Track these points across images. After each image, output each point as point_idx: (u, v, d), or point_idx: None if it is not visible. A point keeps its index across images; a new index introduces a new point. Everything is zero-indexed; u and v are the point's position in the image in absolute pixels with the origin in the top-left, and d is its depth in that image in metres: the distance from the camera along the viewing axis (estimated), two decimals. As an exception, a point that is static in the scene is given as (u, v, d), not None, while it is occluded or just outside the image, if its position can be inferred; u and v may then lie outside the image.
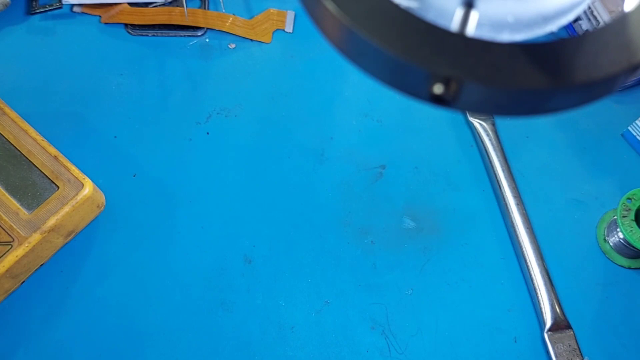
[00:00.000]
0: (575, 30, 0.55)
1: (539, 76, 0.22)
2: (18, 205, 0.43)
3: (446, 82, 0.21)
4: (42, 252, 0.44)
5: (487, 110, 0.23)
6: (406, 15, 0.22)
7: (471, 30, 0.24)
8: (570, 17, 0.26)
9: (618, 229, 0.46)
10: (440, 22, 0.23)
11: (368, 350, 0.44)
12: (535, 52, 0.22)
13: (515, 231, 0.47)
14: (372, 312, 0.45)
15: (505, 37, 0.25)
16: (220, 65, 0.54)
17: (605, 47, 0.22)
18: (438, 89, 0.21)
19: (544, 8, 0.24)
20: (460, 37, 0.22)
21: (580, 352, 0.43)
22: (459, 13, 0.24)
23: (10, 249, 0.42)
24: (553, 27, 0.25)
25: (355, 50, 0.24)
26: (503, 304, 0.46)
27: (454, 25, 0.24)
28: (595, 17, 0.52)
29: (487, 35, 0.25)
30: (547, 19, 0.25)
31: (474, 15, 0.24)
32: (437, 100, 0.22)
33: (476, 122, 0.51)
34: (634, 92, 0.54)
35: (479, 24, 0.24)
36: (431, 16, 0.25)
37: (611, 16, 0.50)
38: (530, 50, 0.22)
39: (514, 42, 0.22)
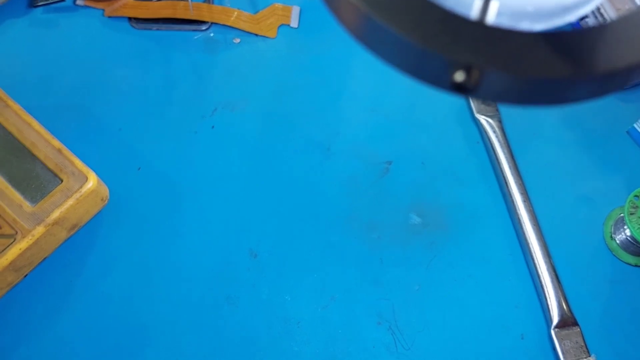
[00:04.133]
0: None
1: (561, 65, 0.21)
2: (22, 198, 0.43)
3: (467, 70, 0.21)
4: (45, 245, 0.43)
5: (507, 99, 0.23)
6: (426, 3, 0.22)
7: (491, 19, 0.23)
8: (588, 8, 0.25)
9: (625, 227, 0.46)
10: (460, 10, 0.23)
11: (374, 346, 0.44)
12: (557, 40, 0.22)
13: (522, 228, 0.47)
14: (378, 308, 0.45)
15: (525, 26, 0.24)
16: (225, 59, 0.54)
17: (627, 37, 0.22)
18: (459, 76, 0.21)
19: (565, -3, 0.24)
20: (480, 25, 0.22)
21: (587, 349, 0.43)
22: (478, 2, 0.23)
23: (13, 241, 0.42)
24: (572, 17, 0.25)
25: (374, 39, 0.23)
26: (510, 300, 0.46)
27: (474, 14, 0.23)
28: (602, 15, 0.52)
29: (507, 24, 0.24)
30: (567, 9, 0.24)
31: (494, 4, 0.23)
32: (458, 89, 0.22)
33: (483, 119, 0.51)
34: (640, 90, 0.54)
35: (499, 13, 0.24)
36: (450, 4, 0.24)
37: (618, 14, 0.50)
38: (551, 39, 0.22)
39: (534, 31, 0.22)
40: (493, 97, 0.23)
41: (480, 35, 0.22)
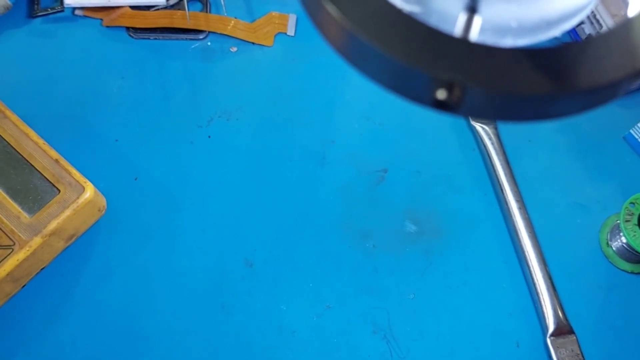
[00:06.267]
0: (578, 34, 0.55)
1: (543, 81, 0.22)
2: (19, 208, 0.43)
3: (449, 88, 0.21)
4: (43, 255, 0.44)
5: (490, 115, 0.23)
6: (409, 20, 0.22)
7: (474, 35, 0.23)
8: (573, 22, 0.25)
9: (621, 234, 0.46)
10: (443, 27, 0.23)
11: (369, 355, 0.44)
12: (539, 57, 0.22)
13: (517, 235, 0.47)
14: (373, 317, 0.45)
15: (509, 42, 0.25)
16: (222, 68, 0.54)
17: (609, 52, 0.22)
18: (441, 94, 0.21)
19: (548, 13, 0.24)
20: (463, 42, 0.22)
21: (583, 357, 0.43)
22: (462, 18, 0.24)
23: (11, 252, 0.42)
24: (556, 32, 0.25)
25: (357, 55, 0.24)
26: (505, 308, 0.46)
27: (457, 31, 0.24)
28: (598, 21, 0.52)
29: (490, 40, 0.25)
30: (550, 24, 0.25)
31: (477, 21, 0.24)
32: (440, 106, 0.22)
33: (478, 126, 0.51)
34: (636, 96, 0.54)
35: (482, 29, 0.24)
36: (434, 21, 0.24)
37: (614, 21, 0.50)
38: (534, 56, 0.22)
39: (518, 47, 0.22)
40: (476, 114, 0.23)
41: (462, 52, 0.22)
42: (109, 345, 0.43)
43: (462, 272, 0.47)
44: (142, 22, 0.55)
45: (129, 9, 0.55)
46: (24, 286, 0.45)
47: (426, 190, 0.49)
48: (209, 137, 0.51)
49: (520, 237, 0.47)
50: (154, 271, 0.46)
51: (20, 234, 0.42)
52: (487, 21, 0.24)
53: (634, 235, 0.44)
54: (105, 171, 0.49)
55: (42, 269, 0.45)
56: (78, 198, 0.44)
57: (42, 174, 0.44)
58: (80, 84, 0.52)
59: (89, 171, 0.45)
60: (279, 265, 0.46)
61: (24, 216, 0.43)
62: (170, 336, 0.44)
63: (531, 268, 0.46)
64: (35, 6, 0.55)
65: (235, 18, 0.56)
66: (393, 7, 0.22)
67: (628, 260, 0.47)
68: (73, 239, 0.46)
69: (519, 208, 0.48)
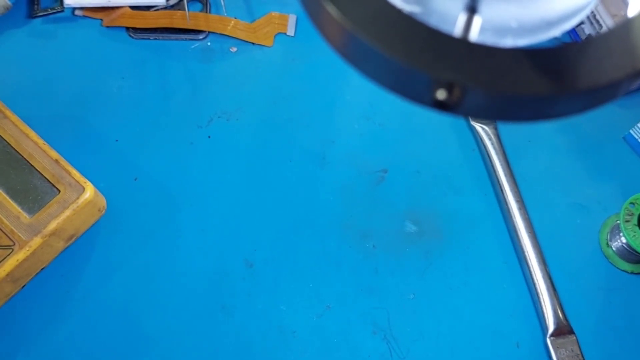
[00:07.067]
0: (578, 35, 0.55)
1: (542, 82, 0.22)
2: (19, 209, 0.43)
3: (449, 88, 0.21)
4: (42, 256, 0.44)
5: (490, 115, 0.23)
6: (409, 20, 0.22)
7: (474, 35, 0.23)
8: (573, 22, 0.25)
9: (621, 234, 0.46)
10: (443, 27, 0.23)
11: (370, 355, 0.44)
12: (538, 57, 0.22)
13: (517, 235, 0.47)
14: (373, 317, 0.45)
15: (509, 42, 0.25)
16: (221, 68, 0.54)
17: (609, 53, 0.22)
18: (441, 94, 0.21)
19: (548, 13, 0.24)
20: (463, 42, 0.22)
21: (583, 357, 0.43)
22: (462, 18, 0.24)
23: (11, 252, 0.42)
24: (556, 32, 0.25)
25: (357, 55, 0.24)
26: (505, 308, 0.46)
27: (457, 31, 0.24)
28: (597, 21, 0.52)
29: (490, 40, 0.25)
30: (550, 24, 0.25)
31: (477, 21, 0.24)
32: (440, 106, 0.22)
33: (478, 126, 0.51)
34: (636, 96, 0.54)
35: (482, 29, 0.24)
36: (434, 21, 0.24)
37: (614, 21, 0.50)
38: (533, 56, 0.22)
39: (518, 47, 0.22)
40: (476, 114, 0.23)
41: (462, 52, 0.22)
42: (109, 345, 0.43)
43: (462, 273, 0.47)
44: (142, 23, 0.55)
45: (129, 9, 0.55)
46: (23, 286, 0.45)
47: (426, 190, 0.49)
48: (209, 137, 0.51)
49: (520, 237, 0.47)
50: (154, 271, 0.46)
51: (20, 234, 0.42)
52: (487, 21, 0.24)
53: (634, 236, 0.44)
54: (105, 171, 0.49)
55: (42, 269, 0.45)
56: (78, 198, 0.44)
57: (42, 174, 0.44)
58: (80, 84, 0.52)
59: (89, 171, 0.45)
60: (279, 266, 0.46)
61: (24, 216, 0.43)
62: (170, 336, 0.44)
63: (531, 268, 0.46)
64: (35, 6, 0.55)
65: (235, 18, 0.56)
66: (393, 8, 0.22)
67: (628, 260, 0.47)
68: (73, 239, 0.46)
69: (519, 208, 0.48)
